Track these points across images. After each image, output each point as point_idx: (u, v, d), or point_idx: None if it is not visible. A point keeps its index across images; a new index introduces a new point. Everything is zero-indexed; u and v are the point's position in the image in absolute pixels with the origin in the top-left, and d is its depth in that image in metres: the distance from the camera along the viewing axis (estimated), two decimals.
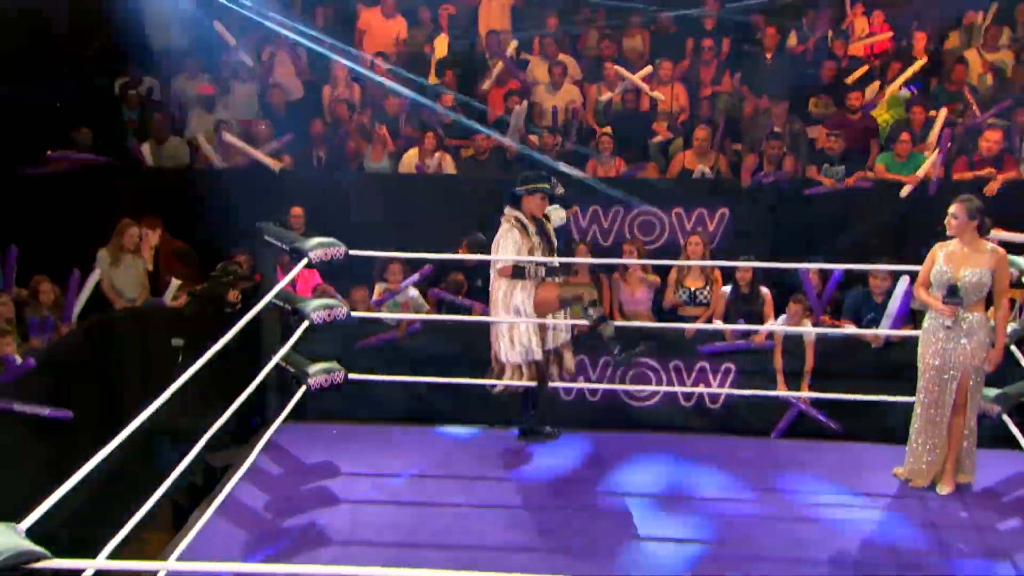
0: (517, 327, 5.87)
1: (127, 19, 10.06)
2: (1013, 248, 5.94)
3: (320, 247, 5.97)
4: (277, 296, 6.17)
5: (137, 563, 4.06)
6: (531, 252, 5.80)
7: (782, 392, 7.42)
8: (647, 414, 7.86)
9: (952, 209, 5.31)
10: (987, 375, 5.47)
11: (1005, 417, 5.75)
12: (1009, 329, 5.62)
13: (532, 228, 5.83)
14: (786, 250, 8.38)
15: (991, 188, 8.36)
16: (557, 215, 6.00)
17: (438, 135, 9.52)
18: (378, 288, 8.19)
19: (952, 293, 5.28)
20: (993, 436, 5.93)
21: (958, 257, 5.31)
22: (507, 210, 5.89)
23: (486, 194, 9.09)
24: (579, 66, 10.48)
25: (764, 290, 8.00)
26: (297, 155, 9.63)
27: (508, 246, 5.83)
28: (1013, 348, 5.76)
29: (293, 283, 7.43)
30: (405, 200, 9.22)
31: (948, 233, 5.34)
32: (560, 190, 5.99)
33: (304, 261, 5.90)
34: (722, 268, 8.17)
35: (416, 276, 8.17)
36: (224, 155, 9.58)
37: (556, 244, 5.96)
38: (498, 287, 5.92)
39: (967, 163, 8.82)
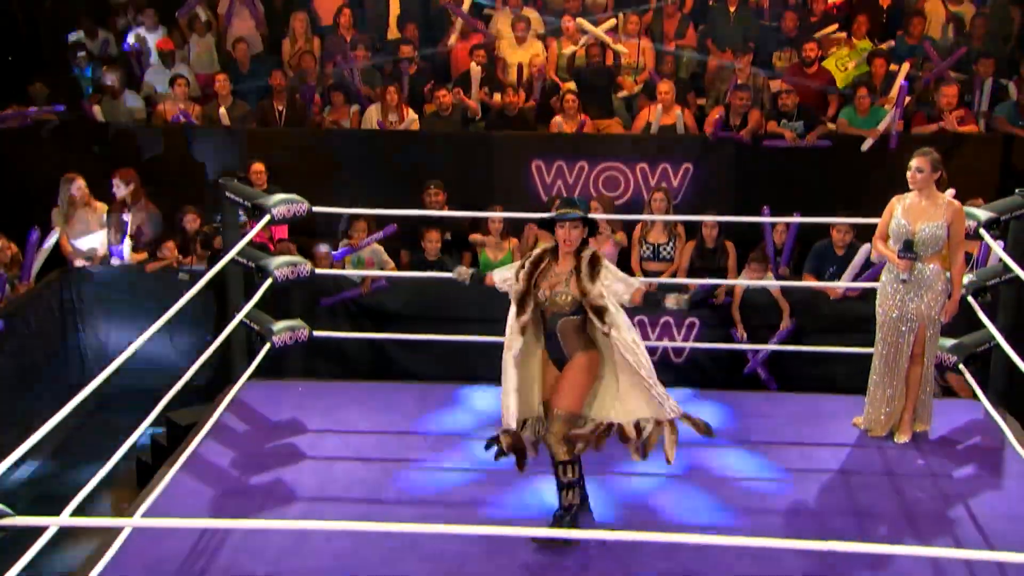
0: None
1: None
2: None
3: (283, 203, 5.92)
4: (240, 253, 6.12)
5: (101, 520, 4.04)
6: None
7: (744, 346, 7.51)
8: None
9: (916, 163, 5.33)
10: (944, 326, 5.57)
11: (961, 367, 5.85)
12: (965, 280, 5.72)
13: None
14: (750, 205, 8.43)
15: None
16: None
17: (400, 91, 9.43)
18: (343, 243, 8.14)
19: (908, 248, 5.34)
20: (947, 385, 6.06)
21: (916, 210, 5.36)
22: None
23: (450, 150, 9.12)
24: (542, 20, 10.40)
25: (729, 245, 8.05)
26: (258, 109, 9.51)
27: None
28: (969, 299, 5.85)
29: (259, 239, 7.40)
30: (368, 156, 9.15)
31: (913, 187, 5.37)
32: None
33: (267, 218, 5.85)
34: (686, 224, 8.20)
35: (380, 234, 8.13)
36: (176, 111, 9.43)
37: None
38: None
39: (925, 117, 8.89)
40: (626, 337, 4.45)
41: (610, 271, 4.54)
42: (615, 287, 4.51)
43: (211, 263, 7.34)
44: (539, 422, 4.63)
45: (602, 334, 4.49)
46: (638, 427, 4.55)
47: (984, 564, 4.51)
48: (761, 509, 5.05)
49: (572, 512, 4.66)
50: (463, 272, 5.00)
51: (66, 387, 8.09)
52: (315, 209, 6.11)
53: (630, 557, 4.62)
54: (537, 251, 4.64)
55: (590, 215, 4.61)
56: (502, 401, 4.56)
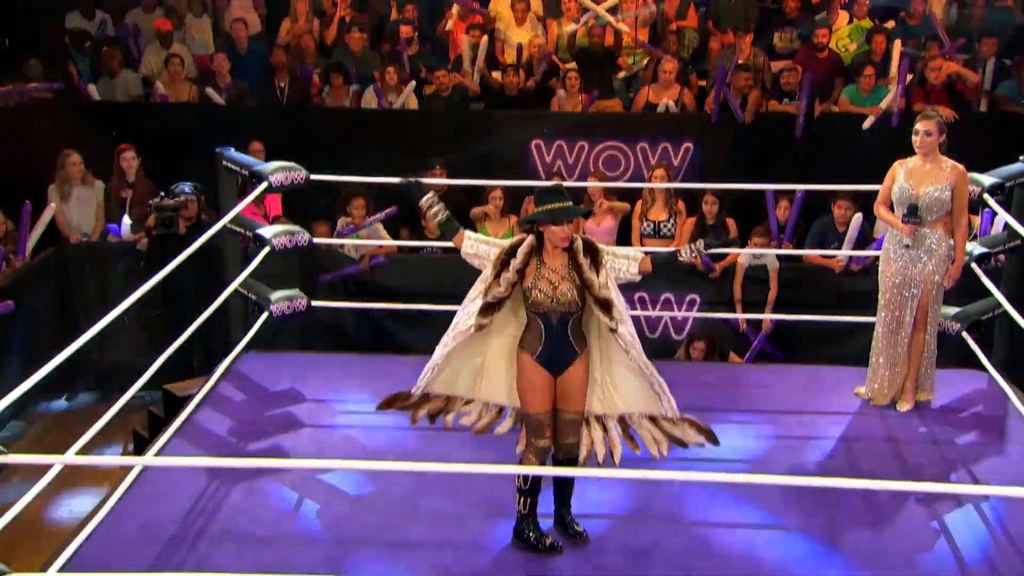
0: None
1: None
2: None
3: (281, 170, 5.87)
4: (238, 223, 6.08)
5: (108, 459, 3.99)
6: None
7: (745, 315, 7.48)
8: None
9: (924, 127, 5.25)
10: (947, 293, 5.52)
11: (965, 334, 5.79)
12: (969, 247, 5.66)
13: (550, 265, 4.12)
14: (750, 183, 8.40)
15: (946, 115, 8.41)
16: None
17: (400, 70, 9.39)
18: (341, 221, 8.10)
19: (912, 212, 5.28)
20: (950, 354, 6.02)
21: (919, 174, 5.31)
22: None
23: (449, 129, 9.08)
24: (542, 3, 10.36)
25: (730, 222, 8.01)
26: (256, 88, 9.48)
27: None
28: (973, 266, 5.80)
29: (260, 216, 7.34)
30: (367, 135, 9.10)
31: (920, 151, 5.29)
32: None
33: (264, 185, 5.80)
34: (687, 201, 8.17)
35: (382, 214, 8.08)
36: (173, 91, 9.40)
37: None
38: None
39: (924, 94, 8.84)
40: (629, 330, 4.12)
41: (609, 253, 4.18)
42: (619, 265, 4.16)
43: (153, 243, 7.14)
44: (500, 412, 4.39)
45: (605, 328, 4.11)
46: (623, 421, 4.30)
47: (985, 527, 4.52)
48: (763, 473, 4.99)
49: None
50: (434, 208, 4.29)
51: (64, 362, 8.06)
52: (313, 177, 6.06)
53: (632, 517, 4.58)
54: (522, 251, 4.10)
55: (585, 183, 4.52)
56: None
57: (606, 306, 4.05)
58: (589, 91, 9.34)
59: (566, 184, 7.99)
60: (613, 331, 4.08)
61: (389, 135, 9.10)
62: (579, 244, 4.11)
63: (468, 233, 4.28)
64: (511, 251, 4.12)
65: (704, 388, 6.00)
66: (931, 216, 5.30)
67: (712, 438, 4.31)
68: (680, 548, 4.41)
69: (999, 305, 5.69)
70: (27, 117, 9.00)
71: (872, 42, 9.24)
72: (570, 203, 4.10)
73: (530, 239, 4.13)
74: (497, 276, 4.11)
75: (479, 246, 4.23)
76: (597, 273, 4.08)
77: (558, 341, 4.14)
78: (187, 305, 6.66)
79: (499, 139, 9.12)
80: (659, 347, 7.85)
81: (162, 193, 7.21)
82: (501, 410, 4.42)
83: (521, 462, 4.28)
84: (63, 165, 8.13)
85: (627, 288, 7.71)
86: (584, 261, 4.08)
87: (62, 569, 4.14)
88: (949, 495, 4.76)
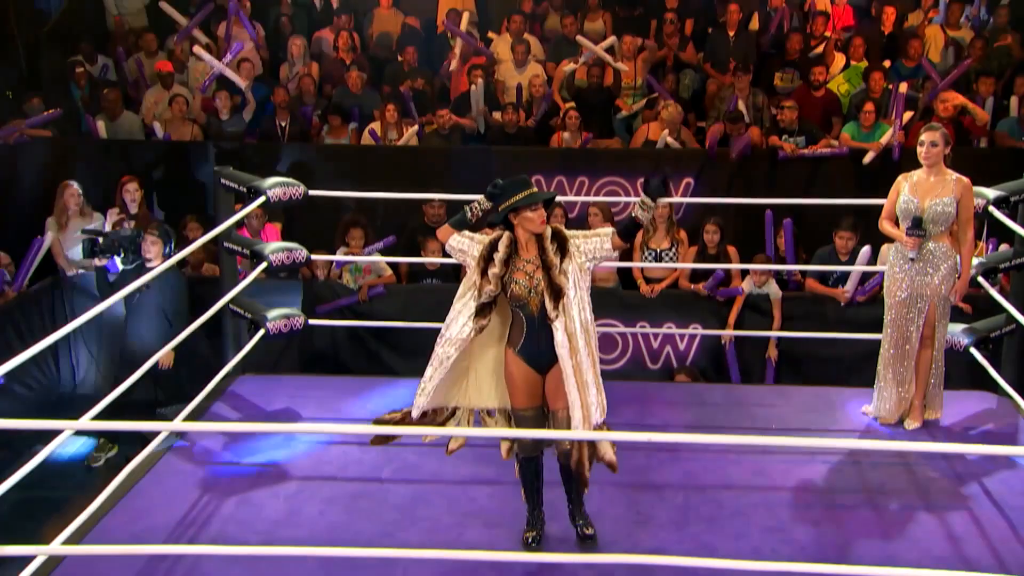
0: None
1: None
2: None
3: (279, 186, 5.82)
4: (234, 241, 6.02)
5: (121, 423, 3.85)
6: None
7: (743, 332, 7.41)
8: (613, 375, 7.76)
9: (930, 138, 5.20)
10: (958, 311, 5.44)
11: (974, 351, 5.69)
12: (975, 261, 5.60)
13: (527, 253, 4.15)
14: (751, 216, 8.36)
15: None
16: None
17: (399, 109, 9.43)
18: (340, 252, 8.05)
19: (916, 225, 5.22)
20: (960, 376, 5.92)
21: (924, 186, 5.26)
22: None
23: (449, 165, 9.08)
24: (542, 47, 10.46)
25: (731, 250, 7.96)
26: (258, 126, 9.52)
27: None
28: (980, 279, 5.73)
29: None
30: (367, 171, 9.09)
31: (926, 163, 5.24)
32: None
33: (262, 199, 5.75)
34: (688, 230, 8.14)
35: (380, 244, 8.04)
36: (175, 130, 9.44)
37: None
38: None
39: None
40: (573, 328, 4.05)
41: (580, 237, 4.15)
42: (592, 245, 4.12)
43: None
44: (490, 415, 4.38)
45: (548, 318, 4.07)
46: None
47: (999, 533, 4.42)
48: (769, 486, 4.87)
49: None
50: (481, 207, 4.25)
51: (56, 396, 7.95)
52: (312, 193, 6.02)
53: (637, 524, 4.46)
54: (503, 244, 4.14)
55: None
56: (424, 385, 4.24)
57: (556, 293, 4.06)
58: (588, 130, 9.37)
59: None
60: (550, 320, 4.07)
61: (390, 171, 9.09)
62: (548, 232, 4.15)
63: (453, 235, 4.29)
64: (492, 246, 4.17)
65: (706, 406, 5.90)
66: (936, 229, 5.23)
67: (613, 468, 4.24)
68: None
69: (1008, 322, 5.60)
70: (29, 152, 9.00)
71: (870, 79, 9.28)
72: (535, 189, 4.14)
73: (508, 233, 4.17)
74: (484, 274, 4.13)
75: (463, 241, 4.26)
76: (561, 259, 4.10)
77: (539, 332, 4.13)
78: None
79: (499, 174, 9.07)
80: (662, 378, 7.78)
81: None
82: (490, 412, 4.39)
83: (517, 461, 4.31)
84: (61, 196, 8.10)
85: (628, 316, 7.71)
86: (550, 246, 4.12)
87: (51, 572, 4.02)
88: (959, 508, 4.66)
